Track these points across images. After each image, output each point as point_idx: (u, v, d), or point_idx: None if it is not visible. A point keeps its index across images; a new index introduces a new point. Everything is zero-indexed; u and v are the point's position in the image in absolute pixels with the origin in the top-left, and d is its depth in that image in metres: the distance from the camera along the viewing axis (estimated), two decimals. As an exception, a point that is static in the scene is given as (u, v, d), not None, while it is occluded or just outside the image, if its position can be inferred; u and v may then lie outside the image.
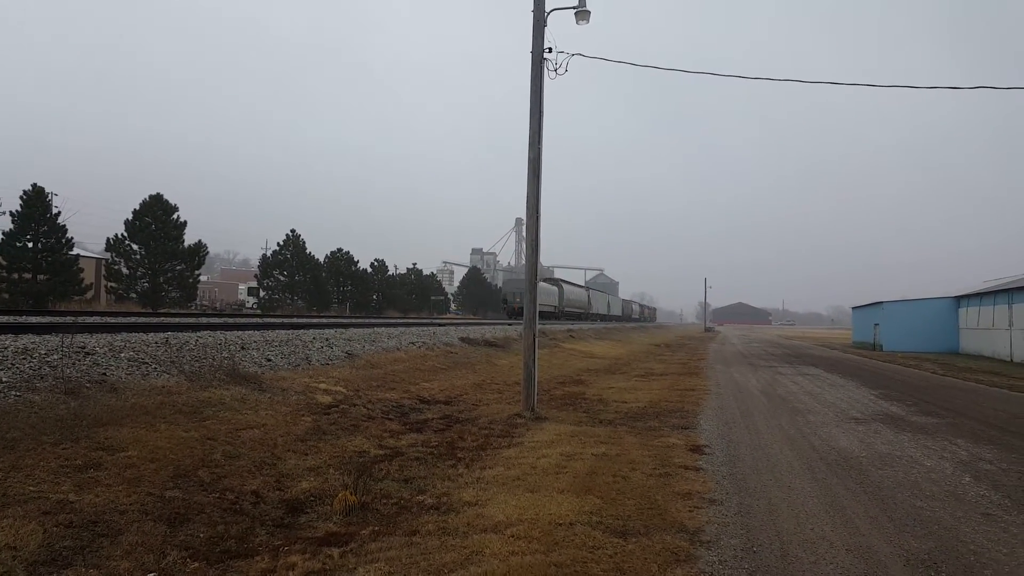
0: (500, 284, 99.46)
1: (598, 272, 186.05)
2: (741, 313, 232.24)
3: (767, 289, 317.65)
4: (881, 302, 46.44)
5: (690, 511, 5.91)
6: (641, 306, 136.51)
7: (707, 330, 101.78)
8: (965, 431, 10.64)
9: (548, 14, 12.06)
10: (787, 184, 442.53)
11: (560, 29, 12.25)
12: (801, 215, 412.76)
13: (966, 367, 26.70)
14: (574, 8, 12.09)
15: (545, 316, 52.40)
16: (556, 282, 70.55)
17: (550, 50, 12.03)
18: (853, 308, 61.50)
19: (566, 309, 66.35)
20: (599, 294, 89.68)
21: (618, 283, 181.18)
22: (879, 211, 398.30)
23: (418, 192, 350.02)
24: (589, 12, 12.08)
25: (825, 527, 5.56)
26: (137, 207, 39.93)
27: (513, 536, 5.12)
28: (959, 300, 41.12)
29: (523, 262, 10.83)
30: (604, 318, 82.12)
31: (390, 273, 72.35)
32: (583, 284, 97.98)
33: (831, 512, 6.00)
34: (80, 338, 10.70)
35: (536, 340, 12.04)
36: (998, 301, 34.13)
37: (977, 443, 9.53)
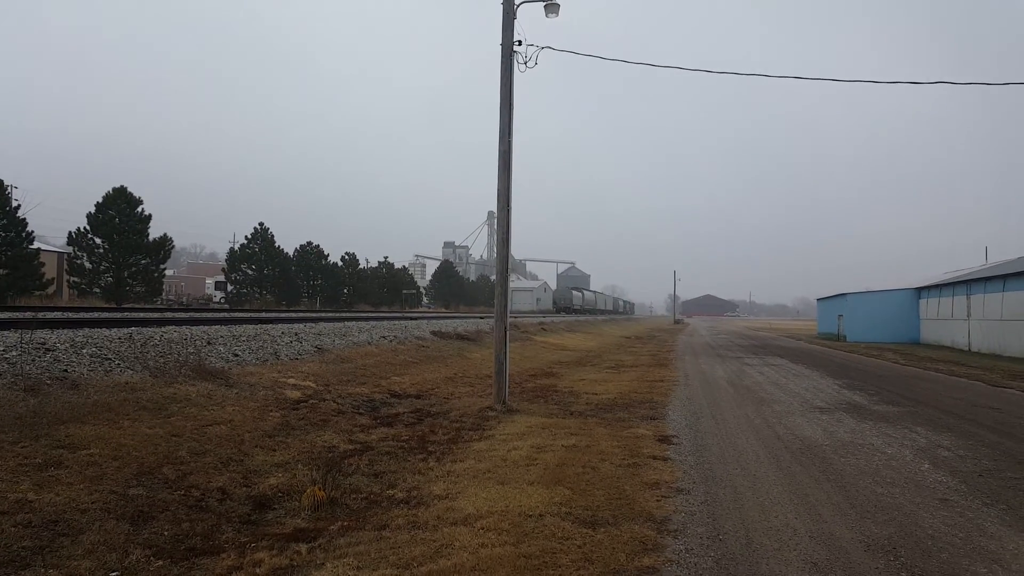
0: (472, 277, 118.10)
1: (570, 265, 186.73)
2: (710, 305, 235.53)
3: (735, 282, 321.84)
4: (845, 294, 47.43)
5: (658, 501, 5.99)
6: (624, 302, 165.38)
7: (676, 322, 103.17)
8: (925, 419, 10.94)
9: (518, 7, 12.02)
10: (758, 182, 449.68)
11: (531, 27, 12.25)
12: (771, 212, 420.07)
13: (926, 356, 27.44)
14: (543, 0, 12.07)
15: (576, 311, 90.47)
16: (580, 289, 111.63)
17: (520, 43, 12.00)
18: (818, 300, 62.76)
19: (584, 307, 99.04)
20: (601, 295, 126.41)
21: (590, 276, 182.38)
22: (844, 211, 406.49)
23: (389, 186, 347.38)
24: (558, 5, 12.06)
25: (789, 515, 5.68)
26: (100, 200, 38.91)
27: (483, 528, 5.14)
28: (920, 291, 42.21)
29: (495, 255, 10.83)
30: (603, 312, 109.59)
31: (361, 267, 71.54)
32: (592, 288, 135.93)
33: (795, 500, 6.13)
34: (40, 334, 10.41)
35: (508, 333, 12.05)
36: (957, 292, 35.13)
37: (936, 431, 9.82)
